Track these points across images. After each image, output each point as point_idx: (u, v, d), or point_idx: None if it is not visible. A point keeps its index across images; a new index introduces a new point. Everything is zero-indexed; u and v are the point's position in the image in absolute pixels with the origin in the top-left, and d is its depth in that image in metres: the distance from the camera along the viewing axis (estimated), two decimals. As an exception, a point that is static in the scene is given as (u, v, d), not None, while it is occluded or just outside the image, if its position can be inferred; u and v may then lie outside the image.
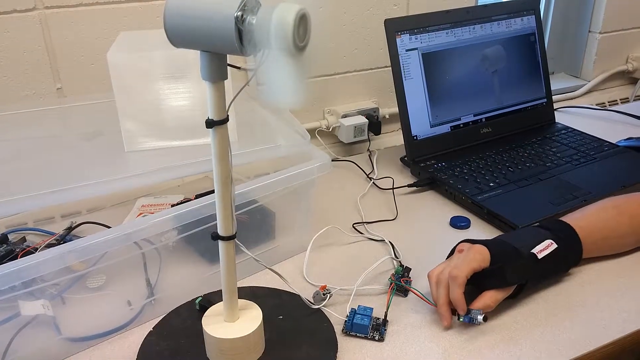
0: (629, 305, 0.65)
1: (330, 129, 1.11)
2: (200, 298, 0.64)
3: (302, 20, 0.42)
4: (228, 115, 0.48)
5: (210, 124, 0.47)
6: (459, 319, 0.61)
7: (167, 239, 0.64)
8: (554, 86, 1.19)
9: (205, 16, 0.42)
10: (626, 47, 1.43)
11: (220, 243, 0.53)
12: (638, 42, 1.44)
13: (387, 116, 1.17)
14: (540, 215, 0.78)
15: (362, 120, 1.10)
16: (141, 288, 0.65)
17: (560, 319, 0.63)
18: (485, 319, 0.60)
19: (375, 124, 1.12)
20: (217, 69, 0.46)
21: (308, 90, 0.43)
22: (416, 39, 0.94)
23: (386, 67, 1.10)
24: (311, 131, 1.10)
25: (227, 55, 0.46)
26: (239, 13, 0.41)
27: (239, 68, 0.47)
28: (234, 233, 0.53)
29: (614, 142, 1.01)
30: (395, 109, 0.97)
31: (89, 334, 0.62)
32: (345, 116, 1.10)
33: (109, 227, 0.70)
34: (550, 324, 0.62)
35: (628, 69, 1.44)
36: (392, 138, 1.17)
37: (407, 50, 0.93)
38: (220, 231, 0.52)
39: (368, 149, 1.08)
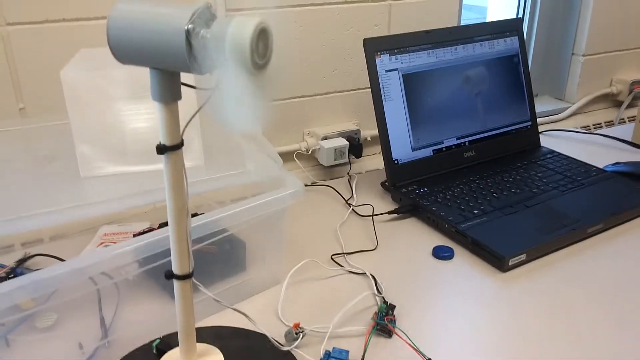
0: None
1: (310, 152, 1.07)
2: (158, 341, 0.58)
3: (262, 35, 0.37)
4: (182, 140, 0.43)
5: (161, 149, 0.42)
6: None
7: (126, 273, 0.59)
8: (537, 109, 1.16)
9: (153, 29, 0.38)
10: (610, 69, 1.42)
11: (175, 283, 0.47)
12: (621, 65, 1.43)
13: (368, 138, 1.13)
14: (529, 245, 0.74)
15: (343, 142, 1.06)
16: (94, 328, 0.59)
17: (557, 354, 0.58)
18: None
19: (356, 147, 1.08)
20: (168, 88, 0.41)
21: (269, 114, 0.39)
22: (396, 59, 0.90)
23: (367, 88, 1.06)
24: (290, 154, 1.06)
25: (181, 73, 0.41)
26: (190, 26, 0.37)
27: (194, 87, 0.42)
28: (190, 271, 0.47)
29: (600, 166, 0.97)
30: (376, 131, 0.94)
31: (33, 382, 0.56)
32: (325, 138, 1.07)
33: (63, 260, 0.64)
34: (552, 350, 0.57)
35: (612, 92, 1.42)
36: (374, 161, 1.14)
37: (387, 71, 0.89)
38: (175, 269, 0.47)
39: (348, 173, 1.04)
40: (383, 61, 0.89)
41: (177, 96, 0.42)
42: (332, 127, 1.09)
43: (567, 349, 0.60)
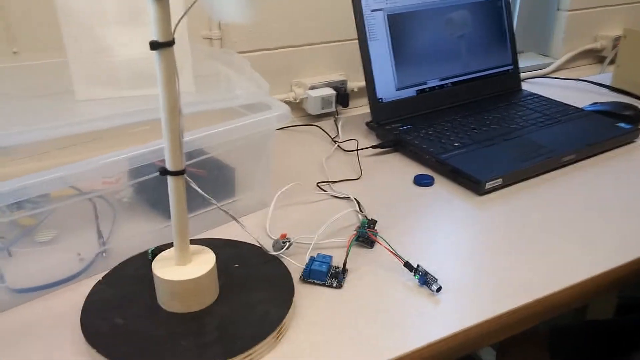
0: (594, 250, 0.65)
1: (298, 101, 1.10)
2: (153, 248, 0.62)
3: None
4: (174, 39, 0.46)
5: (154, 45, 0.45)
6: (414, 275, 0.60)
7: (117, 188, 0.62)
8: (523, 64, 1.19)
9: None
10: (594, 25, 1.45)
11: (169, 179, 0.51)
12: (605, 21, 1.46)
13: (355, 89, 1.16)
14: (504, 171, 0.78)
15: (330, 91, 1.09)
16: (92, 240, 0.63)
17: (522, 263, 0.62)
18: (438, 290, 0.58)
19: (343, 96, 1.11)
20: (159, -16, 0.43)
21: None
22: (381, -1, 0.93)
23: (354, 39, 1.08)
24: (278, 102, 1.09)
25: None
26: None
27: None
28: (183, 168, 0.51)
29: (579, 107, 1.01)
30: (364, 83, 0.96)
31: (36, 284, 0.59)
32: (312, 88, 1.09)
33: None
34: (512, 270, 0.62)
35: (596, 47, 1.45)
36: (360, 111, 1.16)
37: (372, 11, 0.92)
38: (169, 166, 0.50)
39: (334, 115, 1.07)
40: (368, 0, 0.92)
41: (168, -8, 0.44)
42: (319, 78, 1.11)
43: (534, 259, 0.64)
